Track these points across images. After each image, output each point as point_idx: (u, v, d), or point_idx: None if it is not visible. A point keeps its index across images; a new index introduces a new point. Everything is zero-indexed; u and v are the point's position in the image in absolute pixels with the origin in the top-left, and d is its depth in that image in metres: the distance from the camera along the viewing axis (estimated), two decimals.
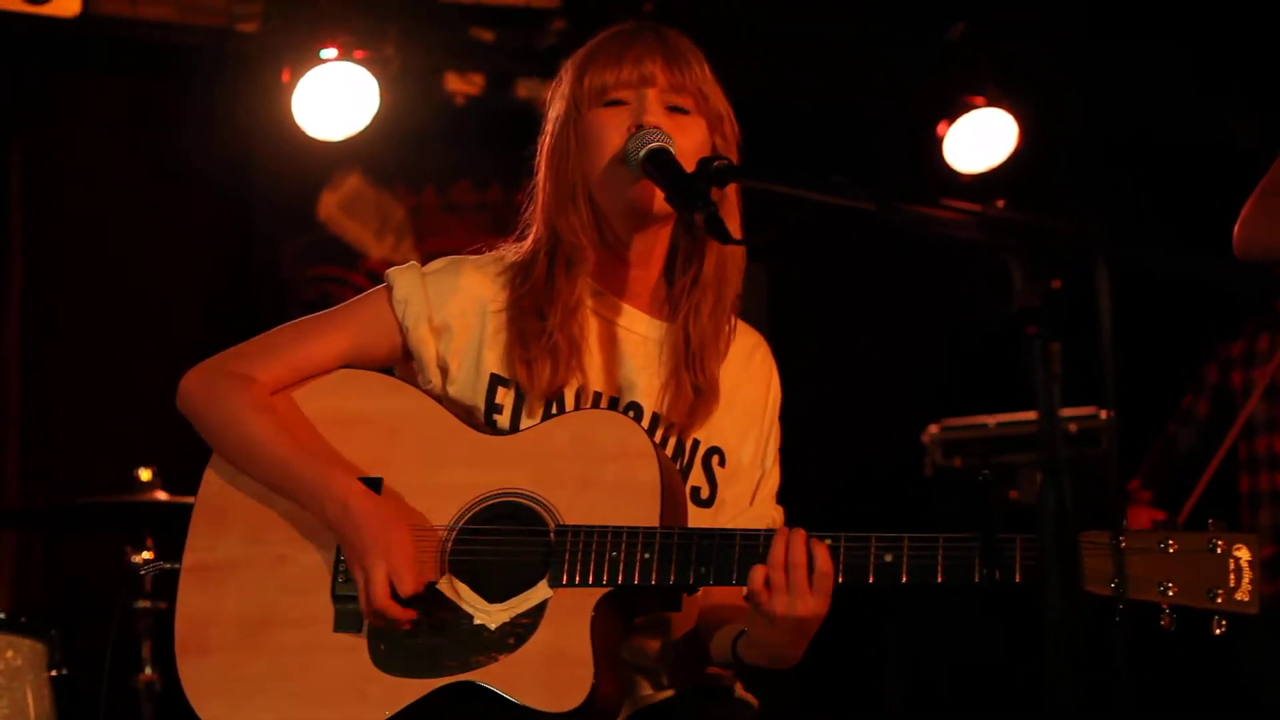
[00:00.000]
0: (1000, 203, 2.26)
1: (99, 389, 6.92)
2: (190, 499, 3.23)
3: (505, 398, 3.19)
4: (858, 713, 7.34)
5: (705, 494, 3.25)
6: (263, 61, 6.91)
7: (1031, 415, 6.60)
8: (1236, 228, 4.42)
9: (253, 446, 3.14)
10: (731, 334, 3.33)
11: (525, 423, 3.16)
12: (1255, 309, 5.03)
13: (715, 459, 3.27)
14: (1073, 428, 6.42)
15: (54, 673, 4.71)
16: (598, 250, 3.24)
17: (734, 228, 3.21)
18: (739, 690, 3.33)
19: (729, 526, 3.22)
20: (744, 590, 2.95)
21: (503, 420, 3.17)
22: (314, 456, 3.11)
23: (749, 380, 3.36)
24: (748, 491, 3.33)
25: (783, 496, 3.40)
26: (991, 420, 6.81)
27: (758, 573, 2.89)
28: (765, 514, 3.32)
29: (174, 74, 7.16)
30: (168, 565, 3.25)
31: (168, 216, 7.23)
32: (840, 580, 2.90)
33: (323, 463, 3.10)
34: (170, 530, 5.32)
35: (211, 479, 3.22)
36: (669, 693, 3.23)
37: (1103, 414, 6.45)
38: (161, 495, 5.43)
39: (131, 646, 5.34)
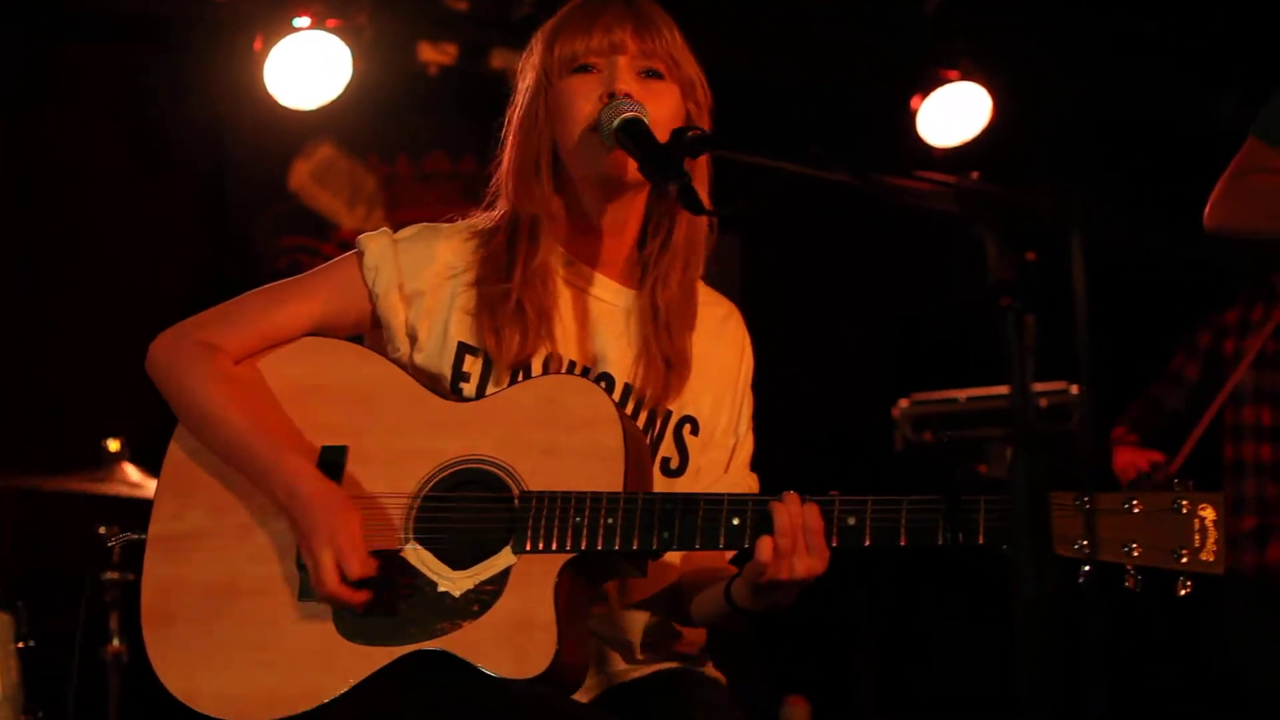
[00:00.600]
0: (975, 175, 2.25)
1: (70, 360, 6.89)
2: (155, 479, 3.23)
3: (473, 366, 3.18)
4: (828, 691, 7.36)
5: (675, 464, 3.25)
6: (235, 30, 6.88)
7: (1002, 390, 6.61)
8: (1207, 208, 4.46)
9: (209, 420, 3.14)
10: (696, 305, 3.32)
11: (491, 391, 3.16)
12: (1250, 281, 5.02)
13: (687, 428, 3.27)
14: (1043, 402, 6.42)
15: (20, 644, 4.70)
16: (569, 220, 3.24)
17: (703, 196, 3.20)
18: (709, 670, 3.33)
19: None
20: (719, 554, 2.97)
21: (469, 389, 3.17)
22: (268, 435, 3.10)
23: (721, 348, 3.35)
24: (723, 459, 3.33)
25: (752, 469, 3.40)
26: (962, 395, 6.80)
27: (766, 544, 2.90)
28: (741, 481, 3.33)
29: (147, 43, 7.13)
30: (136, 536, 3.24)
31: (140, 186, 7.21)
32: None
33: (276, 443, 3.09)
34: (138, 501, 5.31)
35: (177, 449, 3.22)
36: (642, 670, 3.23)
37: (1073, 389, 6.47)
38: (132, 471, 5.41)
39: (99, 618, 5.32)
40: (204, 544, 3.12)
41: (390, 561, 3.02)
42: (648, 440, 3.21)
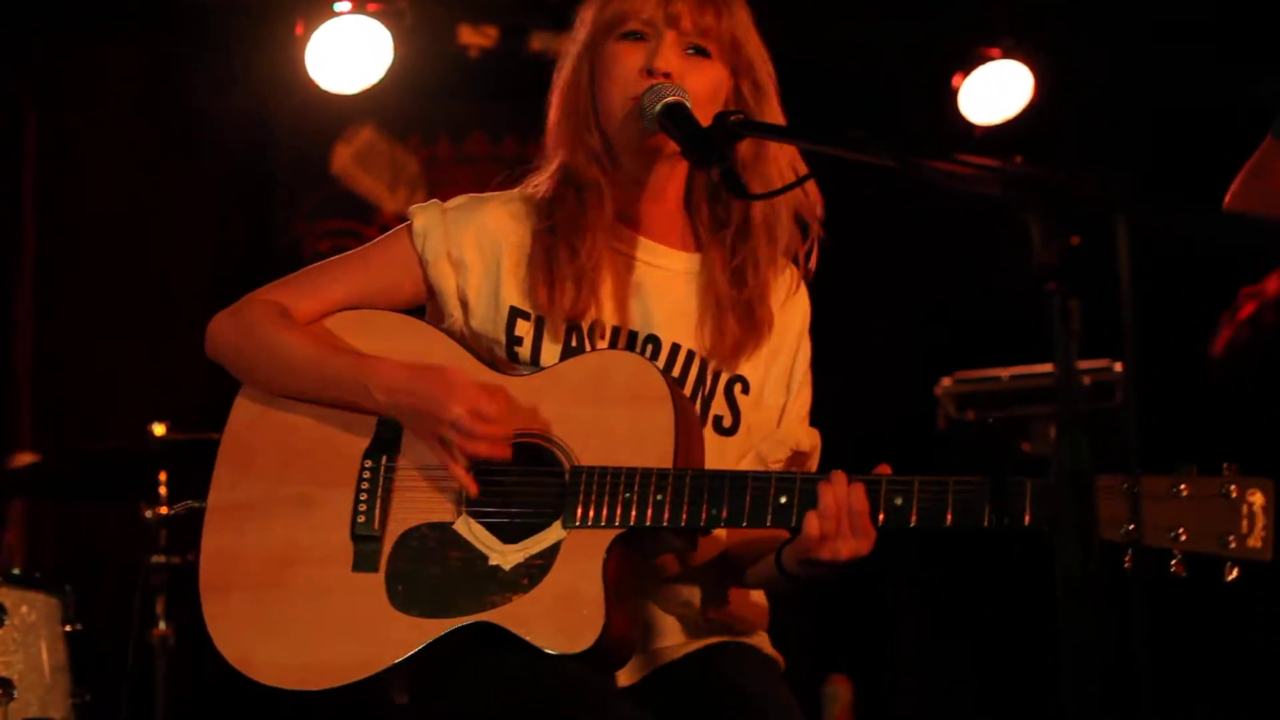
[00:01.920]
0: (1019, 159, 2.25)
1: (114, 347, 6.94)
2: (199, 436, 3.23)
3: (525, 330, 3.19)
4: (871, 671, 7.36)
5: (728, 422, 3.25)
6: (276, 15, 6.88)
7: (1045, 368, 6.60)
8: (1225, 200, 4.46)
9: (286, 362, 3.17)
10: (791, 277, 3.34)
11: (546, 352, 3.17)
12: None
13: (738, 387, 3.26)
14: (1086, 380, 6.40)
15: (68, 628, 4.73)
16: (612, 183, 3.24)
17: (782, 168, 3.21)
18: (765, 646, 3.33)
19: (753, 452, 3.27)
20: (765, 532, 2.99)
21: (523, 352, 3.18)
22: (346, 353, 3.15)
23: (772, 302, 3.33)
24: (773, 416, 3.32)
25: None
26: (1005, 373, 6.79)
27: (813, 522, 2.90)
28: (791, 435, 3.32)
29: (188, 30, 7.15)
30: (197, 505, 3.27)
31: (183, 173, 7.24)
32: None
33: (357, 357, 3.13)
34: (183, 478, 5.33)
35: (237, 418, 3.24)
36: (693, 644, 3.23)
37: (1116, 366, 6.45)
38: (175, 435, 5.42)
39: (146, 601, 5.35)
40: (261, 513, 3.14)
41: (443, 534, 3.05)
42: (699, 399, 3.22)
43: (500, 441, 3.01)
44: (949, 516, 2.88)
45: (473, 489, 3.02)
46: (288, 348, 3.17)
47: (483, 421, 2.98)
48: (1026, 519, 2.85)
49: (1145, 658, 2.11)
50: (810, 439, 3.36)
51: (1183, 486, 2.80)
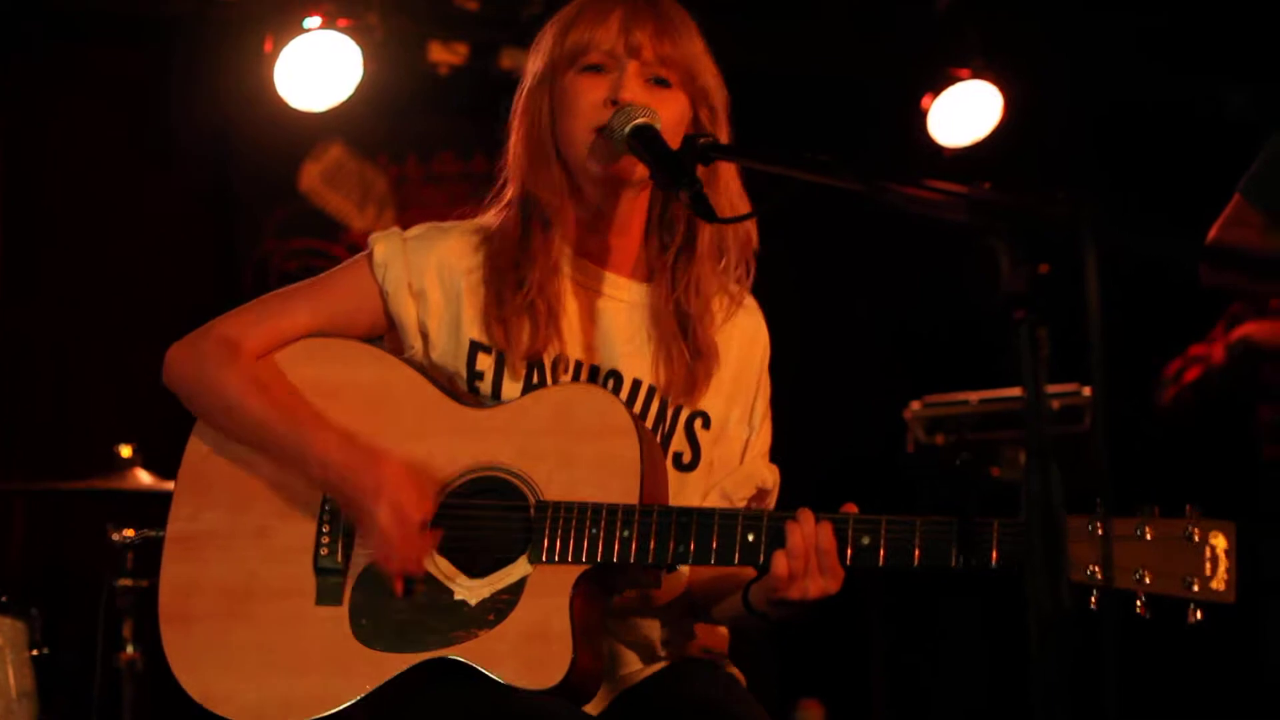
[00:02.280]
0: (987, 185, 2.24)
1: (80, 364, 6.90)
2: (170, 483, 3.22)
3: (485, 364, 3.17)
4: (842, 695, 7.35)
5: (687, 459, 3.23)
6: (245, 30, 6.86)
7: (1013, 391, 6.61)
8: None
9: (233, 409, 3.13)
10: (735, 302, 3.31)
11: (507, 388, 3.14)
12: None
13: (699, 422, 3.25)
14: (1055, 404, 6.40)
15: (35, 651, 4.69)
16: (574, 216, 3.21)
17: (729, 200, 3.20)
18: (728, 666, 3.32)
19: (717, 489, 3.26)
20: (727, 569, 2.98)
21: (484, 387, 3.16)
22: (293, 417, 3.10)
23: (735, 339, 3.32)
24: (736, 451, 3.31)
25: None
26: (973, 397, 6.79)
27: (780, 561, 2.89)
28: (756, 473, 3.31)
29: (155, 44, 7.12)
30: (155, 534, 3.24)
31: (149, 188, 7.20)
32: None
33: (300, 422, 3.09)
34: (151, 506, 5.30)
35: (195, 448, 3.21)
36: (658, 665, 3.22)
37: (1085, 391, 6.45)
38: (144, 477, 5.40)
39: (113, 624, 5.31)
40: (221, 544, 3.12)
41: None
42: (659, 435, 3.20)
43: (414, 561, 2.99)
44: (916, 556, 2.88)
45: (399, 592, 3.01)
46: (233, 396, 3.13)
47: (404, 533, 2.97)
48: (994, 558, 2.86)
49: (1113, 696, 2.11)
50: (772, 475, 3.35)
51: (1146, 528, 2.81)
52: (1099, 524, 2.81)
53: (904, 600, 6.91)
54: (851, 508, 2.96)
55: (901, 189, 2.42)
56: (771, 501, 3.35)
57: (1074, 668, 2.06)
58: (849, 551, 2.91)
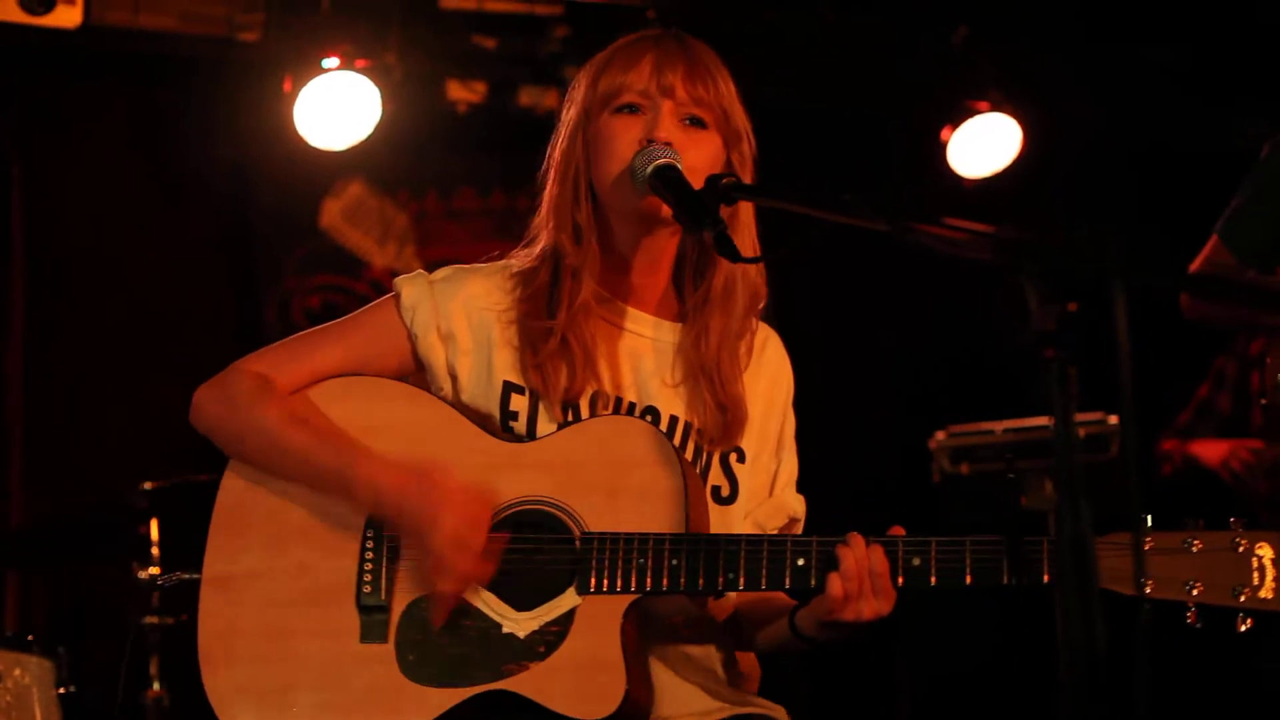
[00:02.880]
0: (1010, 222, 2.24)
1: (103, 402, 6.91)
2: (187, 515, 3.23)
3: (520, 404, 3.18)
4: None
5: (726, 492, 3.25)
6: (264, 71, 6.90)
7: (1038, 421, 6.60)
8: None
9: (274, 443, 3.13)
10: (751, 344, 3.32)
11: (542, 428, 3.15)
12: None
13: (734, 456, 3.26)
14: (1081, 433, 6.39)
15: (62, 690, 4.70)
16: (604, 256, 3.23)
17: (748, 242, 3.22)
18: (783, 717, 3.30)
19: (749, 518, 3.28)
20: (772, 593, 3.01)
21: (519, 427, 3.17)
22: (336, 445, 3.11)
23: (763, 376, 3.35)
24: (765, 482, 3.33)
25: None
26: (998, 426, 6.79)
27: (836, 583, 2.91)
28: (786, 503, 3.34)
29: (175, 84, 7.16)
30: (186, 576, 3.25)
31: (170, 228, 7.23)
32: None
33: (344, 450, 3.09)
34: (174, 545, 5.31)
35: (229, 488, 3.20)
36: (714, 716, 3.20)
37: (1111, 419, 6.45)
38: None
39: (139, 662, 5.32)
40: (261, 584, 3.11)
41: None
42: (696, 468, 3.21)
43: (472, 580, 3.00)
44: (968, 576, 2.91)
45: (436, 622, 3.01)
46: (271, 429, 3.14)
47: (471, 542, 2.97)
48: (1045, 577, 2.89)
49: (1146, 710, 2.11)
50: (800, 505, 3.38)
51: (1195, 541, 2.86)
52: (1148, 539, 2.86)
53: (929, 627, 6.89)
54: (899, 530, 2.98)
55: (927, 228, 2.42)
56: (800, 530, 3.37)
57: (1108, 697, 2.06)
58: (900, 574, 2.93)
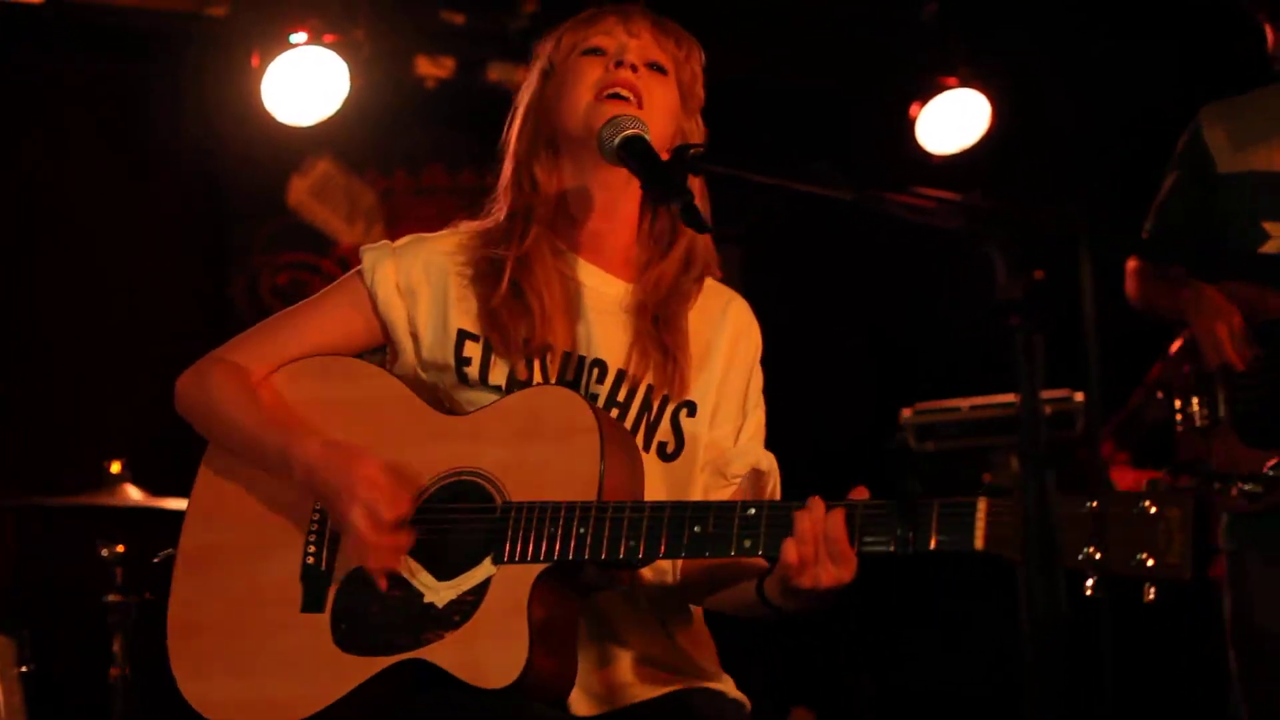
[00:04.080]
0: (978, 191, 2.24)
1: (70, 380, 6.87)
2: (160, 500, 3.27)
3: (473, 350, 3.23)
4: (832, 702, 7.35)
5: (671, 448, 3.26)
6: (232, 46, 6.85)
7: (1004, 398, 6.62)
8: (1128, 282, 4.88)
9: (231, 427, 3.24)
10: (697, 296, 3.34)
11: (494, 374, 3.20)
12: None
13: (684, 412, 3.27)
14: (1048, 410, 6.40)
15: (23, 668, 4.69)
16: (560, 208, 3.29)
17: (707, 209, 3.22)
18: (731, 689, 3.30)
19: (712, 464, 3.30)
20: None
21: (472, 373, 3.21)
22: (278, 425, 3.19)
23: (725, 333, 3.36)
24: (730, 435, 3.34)
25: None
26: (964, 404, 6.80)
27: (791, 549, 2.86)
28: (750, 451, 3.34)
29: (143, 60, 7.12)
30: (173, 552, 3.33)
31: (137, 204, 7.18)
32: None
33: (285, 429, 3.18)
34: (142, 524, 5.28)
35: (207, 469, 3.32)
36: (663, 689, 3.21)
37: (1077, 396, 6.46)
38: (133, 493, 5.39)
39: (102, 641, 5.29)
40: (225, 558, 3.22)
41: (417, 513, 3.07)
42: (644, 424, 3.24)
43: (391, 555, 3.03)
44: (933, 540, 2.80)
45: (382, 585, 3.04)
46: (231, 416, 3.24)
47: (378, 531, 3.00)
48: (979, 544, 2.77)
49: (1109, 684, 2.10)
50: (768, 460, 3.36)
51: (1093, 503, 2.69)
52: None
53: (890, 603, 6.91)
54: (862, 492, 2.92)
55: (896, 197, 2.42)
56: (774, 489, 3.36)
57: (1067, 665, 2.06)
58: (858, 539, 2.86)
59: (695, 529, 2.93)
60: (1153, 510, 2.67)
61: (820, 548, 2.86)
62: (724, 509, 2.95)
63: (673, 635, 3.26)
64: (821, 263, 7.71)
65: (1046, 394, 2.08)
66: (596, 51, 3.24)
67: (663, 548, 2.94)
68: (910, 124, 7.44)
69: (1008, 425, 6.53)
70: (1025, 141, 7.40)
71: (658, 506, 2.97)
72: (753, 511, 2.93)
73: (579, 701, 3.11)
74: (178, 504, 4.28)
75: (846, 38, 7.50)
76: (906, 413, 6.85)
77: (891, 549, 2.84)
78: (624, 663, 3.21)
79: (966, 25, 7.33)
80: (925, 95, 7.41)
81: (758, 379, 3.40)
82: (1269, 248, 4.72)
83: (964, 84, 7.37)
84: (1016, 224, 2.10)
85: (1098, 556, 2.67)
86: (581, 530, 2.95)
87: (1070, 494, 2.70)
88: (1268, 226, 4.74)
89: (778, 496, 3.35)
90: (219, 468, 3.30)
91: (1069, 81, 7.47)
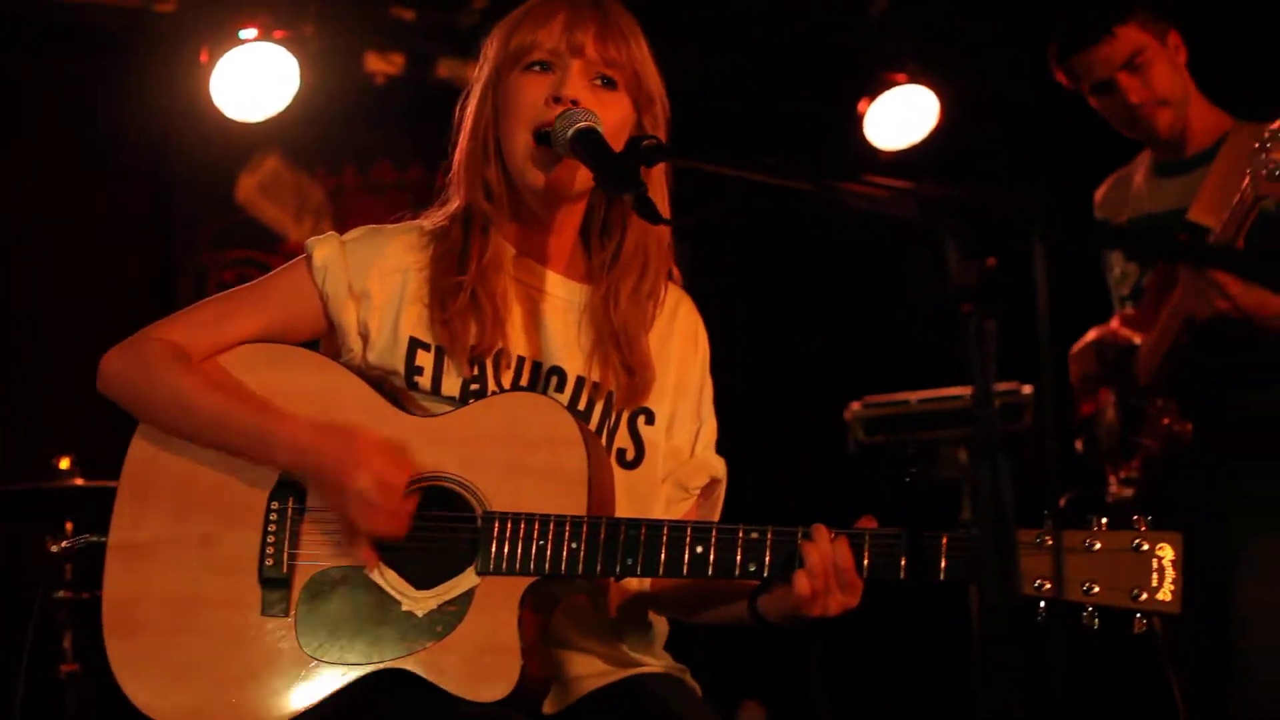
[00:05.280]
0: (930, 181, 2.25)
1: (15, 376, 6.84)
2: (110, 483, 3.18)
3: (425, 360, 3.17)
4: (783, 695, 7.37)
5: (630, 455, 3.25)
6: (181, 42, 6.83)
7: (952, 391, 6.65)
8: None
9: (188, 408, 3.11)
10: (660, 304, 3.31)
11: (447, 384, 3.15)
12: None
13: (642, 419, 3.26)
14: (997, 403, 6.42)
15: None
16: (514, 216, 3.23)
17: (661, 206, 3.19)
18: (688, 678, 3.32)
19: (670, 479, 3.29)
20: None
21: (424, 382, 3.15)
22: (255, 407, 3.09)
23: (676, 337, 3.35)
24: (687, 444, 3.33)
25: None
26: (913, 397, 6.82)
27: (803, 582, 2.90)
28: (707, 462, 3.34)
29: (91, 55, 7.08)
30: (95, 538, 3.22)
31: (85, 200, 7.15)
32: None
33: (261, 411, 3.08)
34: (90, 516, 5.25)
35: (136, 454, 3.17)
36: (619, 674, 3.21)
37: (1025, 389, 6.50)
38: (79, 482, 5.36)
39: (53, 637, 5.27)
40: (165, 553, 3.09)
41: (353, 578, 3.02)
42: (604, 432, 3.22)
43: (402, 520, 2.98)
44: (942, 572, 2.90)
45: (372, 564, 3.00)
46: (188, 393, 3.11)
47: (387, 494, 2.96)
48: (941, 577, 2.90)
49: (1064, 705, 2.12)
50: (721, 465, 3.37)
51: (1095, 541, 2.85)
52: (1048, 537, 2.86)
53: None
54: (870, 522, 2.97)
55: (850, 187, 2.43)
56: (721, 493, 3.38)
57: (1022, 669, 2.08)
58: (865, 564, 2.92)
59: (697, 549, 2.94)
60: (1145, 547, 2.84)
61: (831, 579, 2.90)
62: (725, 531, 2.96)
63: (623, 633, 3.26)
64: (771, 256, 7.73)
65: (995, 387, 2.11)
66: (540, 66, 3.14)
67: (661, 567, 2.95)
68: (858, 120, 7.47)
69: (956, 418, 6.57)
70: (973, 137, 7.43)
71: (654, 524, 2.96)
72: (756, 535, 2.95)
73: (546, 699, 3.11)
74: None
75: (794, 34, 7.50)
76: (855, 406, 6.88)
77: (900, 578, 2.91)
78: (576, 659, 3.20)
79: (914, 21, 7.36)
80: (873, 91, 7.44)
81: (709, 384, 3.39)
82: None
83: (912, 80, 7.40)
84: (970, 211, 2.12)
85: (1096, 590, 2.83)
86: (574, 545, 2.93)
87: (1069, 531, 2.86)
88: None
89: (722, 501, 3.38)
90: (151, 451, 3.15)
91: (1017, 77, 7.50)
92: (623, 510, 3.12)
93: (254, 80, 6.74)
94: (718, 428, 3.40)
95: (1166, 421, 4.77)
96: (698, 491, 3.34)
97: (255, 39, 6.66)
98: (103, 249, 7.17)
